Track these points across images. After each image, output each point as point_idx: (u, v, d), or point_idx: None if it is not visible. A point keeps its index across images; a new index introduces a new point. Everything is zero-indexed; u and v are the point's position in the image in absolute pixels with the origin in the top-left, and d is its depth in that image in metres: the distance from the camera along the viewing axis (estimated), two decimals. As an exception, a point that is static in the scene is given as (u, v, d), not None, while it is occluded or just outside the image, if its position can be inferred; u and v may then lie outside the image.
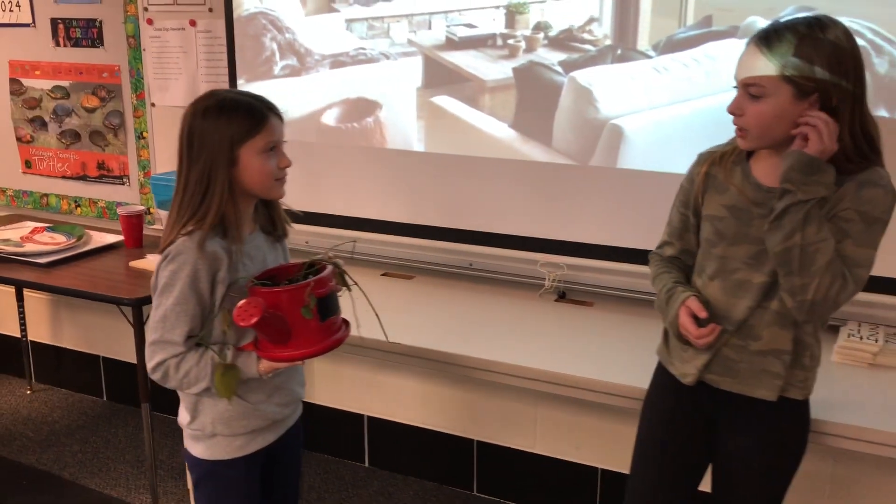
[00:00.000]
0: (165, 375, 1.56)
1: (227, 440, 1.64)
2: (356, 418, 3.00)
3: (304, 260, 1.63)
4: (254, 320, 1.42)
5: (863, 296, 2.08)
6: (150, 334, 1.55)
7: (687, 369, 1.62)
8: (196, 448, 1.67)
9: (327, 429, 3.06)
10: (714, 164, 1.59)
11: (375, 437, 2.99)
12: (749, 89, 1.45)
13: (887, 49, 1.92)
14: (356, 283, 1.65)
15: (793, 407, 1.59)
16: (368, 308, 1.66)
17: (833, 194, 1.44)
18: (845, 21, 1.90)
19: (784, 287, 1.47)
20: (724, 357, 1.58)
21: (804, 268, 1.42)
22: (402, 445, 2.94)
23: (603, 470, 2.57)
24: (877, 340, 1.97)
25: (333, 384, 3.00)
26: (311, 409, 3.02)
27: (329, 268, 1.58)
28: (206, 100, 1.56)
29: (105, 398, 3.53)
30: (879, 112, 1.96)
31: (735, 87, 1.48)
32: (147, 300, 2.42)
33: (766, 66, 1.41)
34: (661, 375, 1.71)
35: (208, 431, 1.63)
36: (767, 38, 1.42)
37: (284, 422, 1.73)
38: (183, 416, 1.67)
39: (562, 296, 2.45)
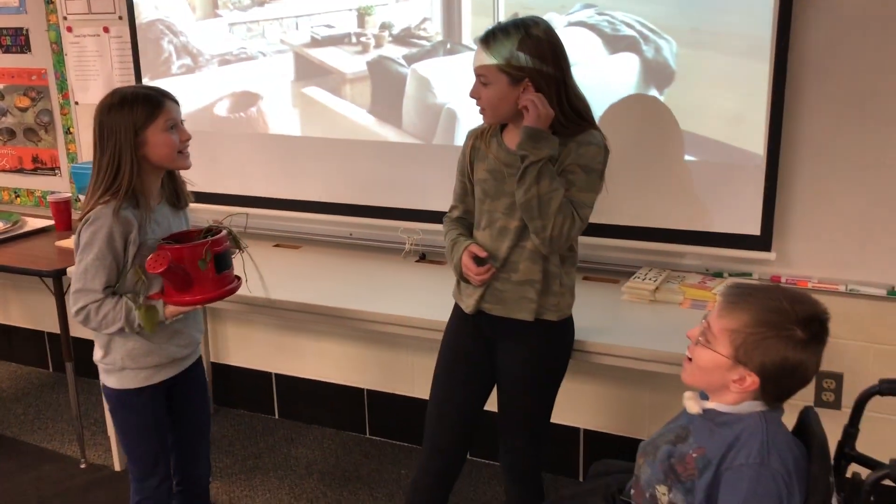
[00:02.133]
0: (87, 318, 1.91)
1: (133, 373, 2.00)
2: (265, 376, 3.39)
3: (204, 226, 2.02)
4: (162, 268, 1.81)
5: (658, 246, 2.49)
6: (74, 284, 1.92)
7: (468, 301, 2.02)
8: (109, 380, 2.03)
9: (241, 387, 3.44)
10: (478, 138, 1.99)
11: (282, 391, 3.38)
12: (480, 78, 1.85)
13: (652, 38, 2.30)
14: (247, 246, 2.06)
15: (549, 327, 1.97)
16: (269, 272, 2.06)
17: (559, 154, 1.83)
18: (620, 15, 2.31)
19: (530, 229, 1.86)
20: (493, 289, 1.97)
21: (542, 212, 1.82)
22: (305, 398, 3.33)
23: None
24: (655, 280, 2.36)
25: (244, 347, 3.39)
26: (226, 370, 3.43)
27: (224, 231, 1.97)
28: (110, 97, 1.92)
29: (50, 369, 3.91)
30: (650, 91, 2.35)
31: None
32: (63, 272, 2.82)
33: (487, 59, 1.81)
34: (455, 311, 2.11)
35: (118, 365, 1.99)
36: (487, 38, 1.82)
37: (184, 360, 2.09)
38: (97, 354, 2.03)
39: (422, 257, 2.84)
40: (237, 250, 2.05)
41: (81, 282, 1.91)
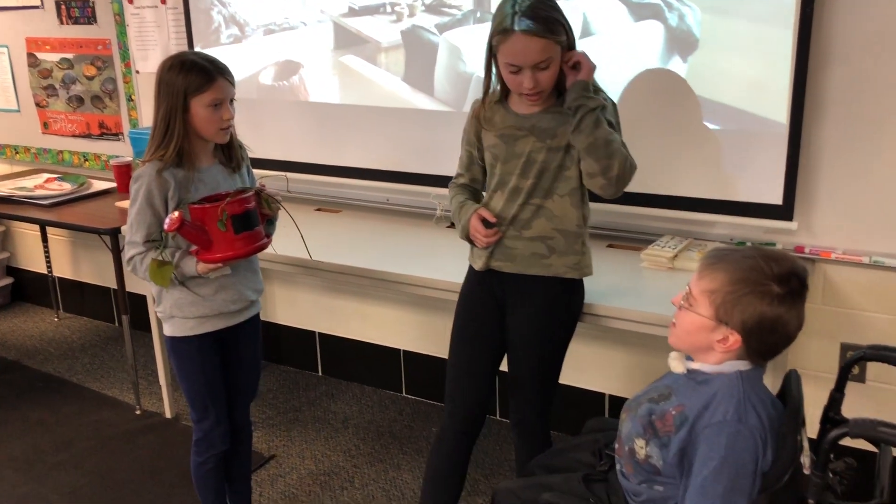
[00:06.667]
0: (134, 268, 2.07)
1: (181, 321, 2.14)
2: (310, 335, 3.54)
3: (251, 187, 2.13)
4: (173, 227, 1.91)
5: (682, 214, 2.51)
6: (125, 236, 2.09)
7: (479, 261, 2.09)
8: (165, 327, 2.19)
9: (287, 344, 3.61)
10: (481, 108, 2.04)
11: (325, 349, 3.53)
12: (539, 66, 1.86)
13: (676, 6, 2.30)
14: (278, 208, 2.14)
15: (558, 286, 2.03)
16: (311, 236, 2.17)
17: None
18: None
19: (595, 170, 1.90)
20: (504, 246, 2.04)
21: (607, 152, 1.88)
22: (346, 356, 3.47)
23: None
24: (674, 248, 2.38)
25: (291, 306, 3.55)
26: (274, 329, 3.59)
27: (248, 193, 2.04)
28: (173, 58, 2.03)
29: (116, 323, 4.17)
30: (674, 58, 2.35)
31: (515, 71, 1.87)
32: (118, 230, 3.01)
33: (549, 45, 1.84)
34: (468, 273, 2.18)
35: (168, 314, 2.15)
36: (542, 24, 1.82)
37: (234, 315, 2.19)
38: (156, 303, 2.19)
39: (453, 224, 2.91)
40: (269, 211, 2.15)
41: (128, 235, 2.07)
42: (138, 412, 3.26)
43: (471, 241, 2.07)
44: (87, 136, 3.87)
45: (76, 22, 3.70)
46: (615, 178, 1.90)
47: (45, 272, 4.24)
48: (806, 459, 1.45)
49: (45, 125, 3.99)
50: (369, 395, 3.38)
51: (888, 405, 2.42)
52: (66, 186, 3.58)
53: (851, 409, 1.67)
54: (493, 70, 1.97)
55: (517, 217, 2.01)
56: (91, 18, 3.65)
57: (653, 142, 2.42)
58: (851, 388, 1.74)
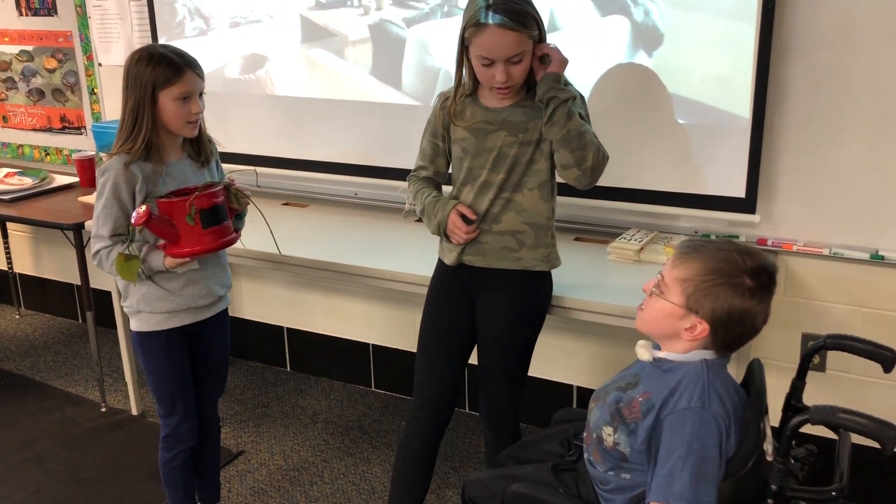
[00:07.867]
0: (100, 262, 2.05)
1: (148, 316, 2.12)
2: (278, 330, 3.53)
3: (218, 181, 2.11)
4: (141, 221, 1.89)
5: (648, 207, 2.53)
6: (92, 230, 2.07)
7: (450, 256, 2.10)
8: (132, 322, 2.17)
9: (255, 340, 3.59)
10: (450, 100, 2.05)
11: (294, 345, 3.51)
12: (512, 59, 1.88)
13: (641, 1, 2.33)
14: (246, 203, 2.13)
15: (528, 278, 2.05)
16: (278, 230, 2.18)
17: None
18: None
19: (569, 161, 1.93)
20: (475, 241, 2.05)
21: (581, 143, 1.90)
22: (315, 351, 3.46)
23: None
24: (640, 241, 2.41)
25: (258, 301, 3.53)
26: (241, 324, 3.57)
27: (217, 188, 2.03)
28: (142, 51, 2.01)
29: (79, 320, 4.11)
30: (639, 53, 2.38)
31: (487, 64, 1.88)
32: (82, 225, 2.97)
33: (522, 38, 1.86)
34: (438, 265, 2.19)
35: (135, 308, 2.13)
36: (513, 18, 1.83)
37: (202, 310, 2.18)
38: (122, 298, 2.17)
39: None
40: (238, 206, 2.13)
41: (94, 228, 2.05)
42: (103, 409, 3.22)
43: (445, 236, 2.08)
44: (48, 129, 3.80)
45: (36, 13, 3.64)
46: (590, 169, 1.93)
47: (6, 269, 4.16)
48: (769, 446, 1.48)
49: (5, 119, 3.91)
50: (338, 390, 3.37)
51: (847, 393, 2.48)
52: (27, 181, 3.51)
53: (812, 397, 1.71)
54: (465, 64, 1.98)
55: (488, 211, 2.02)
56: (51, 10, 3.59)
57: (619, 136, 2.44)
58: (812, 376, 1.78)
